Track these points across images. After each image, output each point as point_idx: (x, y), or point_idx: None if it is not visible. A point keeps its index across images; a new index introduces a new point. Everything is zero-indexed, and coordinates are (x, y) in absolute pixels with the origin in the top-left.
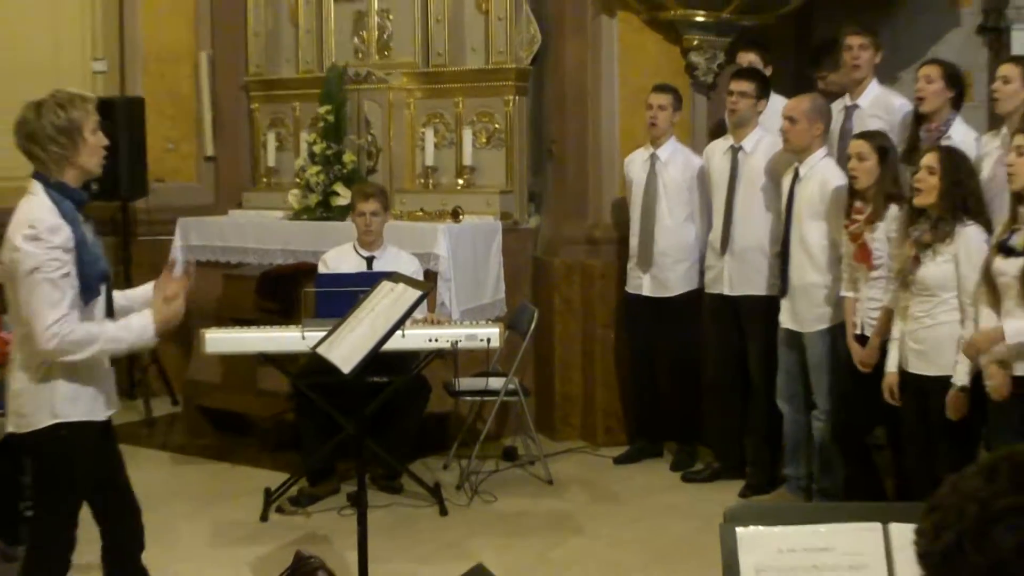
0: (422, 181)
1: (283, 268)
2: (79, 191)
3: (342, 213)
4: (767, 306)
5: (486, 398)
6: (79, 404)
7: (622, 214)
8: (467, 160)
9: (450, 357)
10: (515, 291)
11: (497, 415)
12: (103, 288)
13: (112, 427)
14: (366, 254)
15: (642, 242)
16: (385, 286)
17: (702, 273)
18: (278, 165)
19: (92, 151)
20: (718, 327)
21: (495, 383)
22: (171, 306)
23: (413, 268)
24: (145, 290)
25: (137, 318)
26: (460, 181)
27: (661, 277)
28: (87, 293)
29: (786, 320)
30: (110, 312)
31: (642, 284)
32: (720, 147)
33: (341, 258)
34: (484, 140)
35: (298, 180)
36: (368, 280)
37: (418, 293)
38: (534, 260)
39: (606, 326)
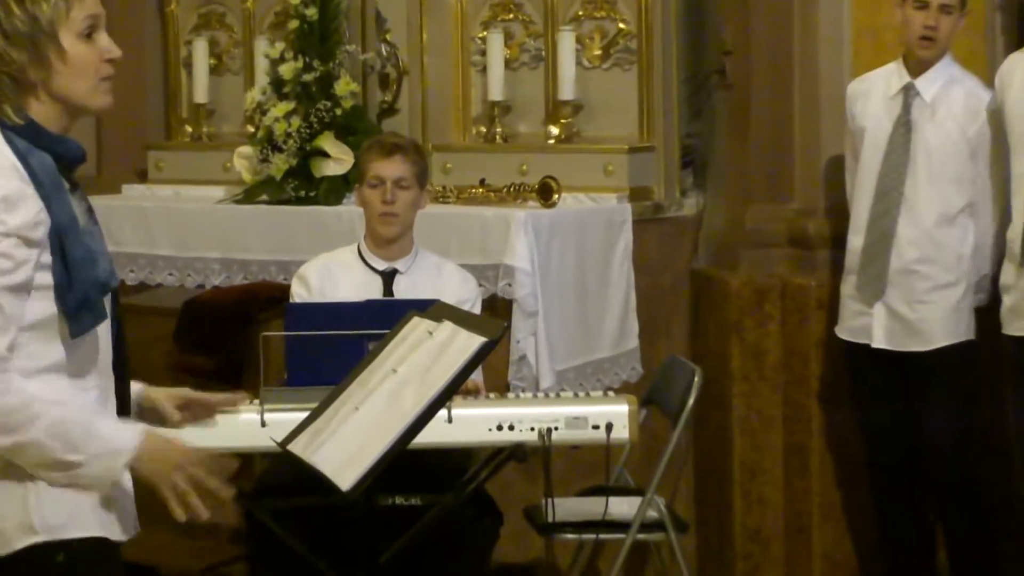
0: (482, 131)
1: (223, 294)
2: (65, 140)
3: (332, 191)
4: None
5: (605, 535)
6: (83, 510)
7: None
8: (566, 91)
9: (537, 460)
10: (658, 335)
11: (627, 566)
12: (108, 308)
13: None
14: (382, 265)
15: (873, 247)
16: (417, 326)
17: (989, 309)
18: (214, 102)
19: (80, 69)
20: None
21: (621, 507)
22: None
23: (466, 293)
24: (169, 393)
25: (119, 428)
26: (553, 130)
27: (908, 315)
28: (77, 318)
29: None
30: (121, 366)
31: (871, 326)
32: None
33: (334, 274)
34: (597, 53)
35: (251, 129)
36: (384, 314)
37: (479, 341)
38: (694, 276)
39: (829, 401)
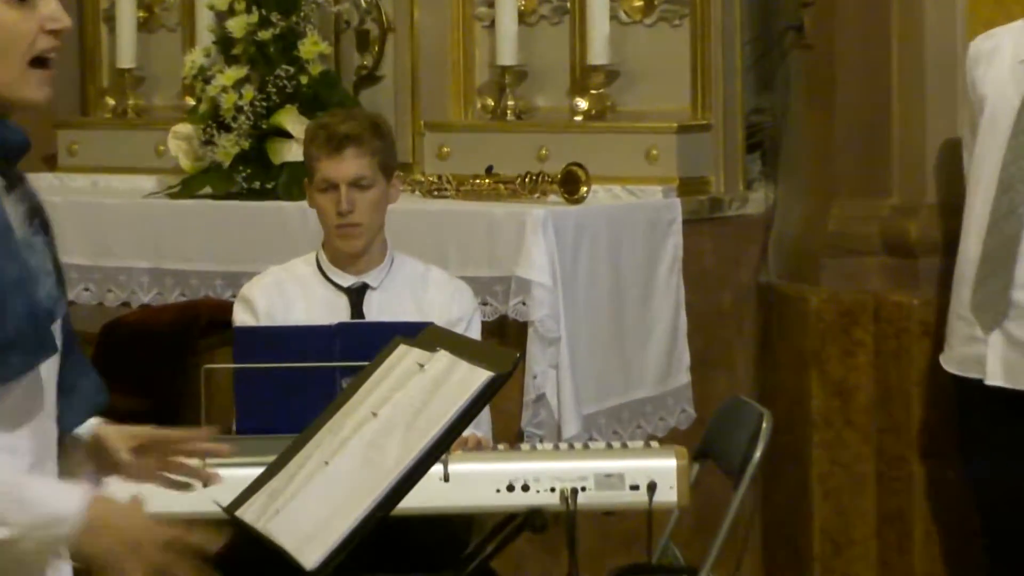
0: (489, 104)
1: (154, 315)
2: None
3: (295, 182)
4: None
5: None
6: None
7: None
8: (597, 54)
9: (560, 529)
10: (716, 368)
11: None
12: (56, 339)
13: None
14: (348, 280)
15: (994, 254)
16: (404, 357)
17: None
18: (143, 67)
19: (3, 44)
20: None
21: None
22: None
23: (458, 309)
24: (122, 433)
25: (59, 490)
26: (581, 103)
27: None
28: (2, 359)
29: None
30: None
31: (984, 357)
32: None
33: (288, 294)
34: (638, 4)
35: (190, 102)
36: (360, 341)
37: (484, 376)
38: (762, 292)
39: (936, 455)
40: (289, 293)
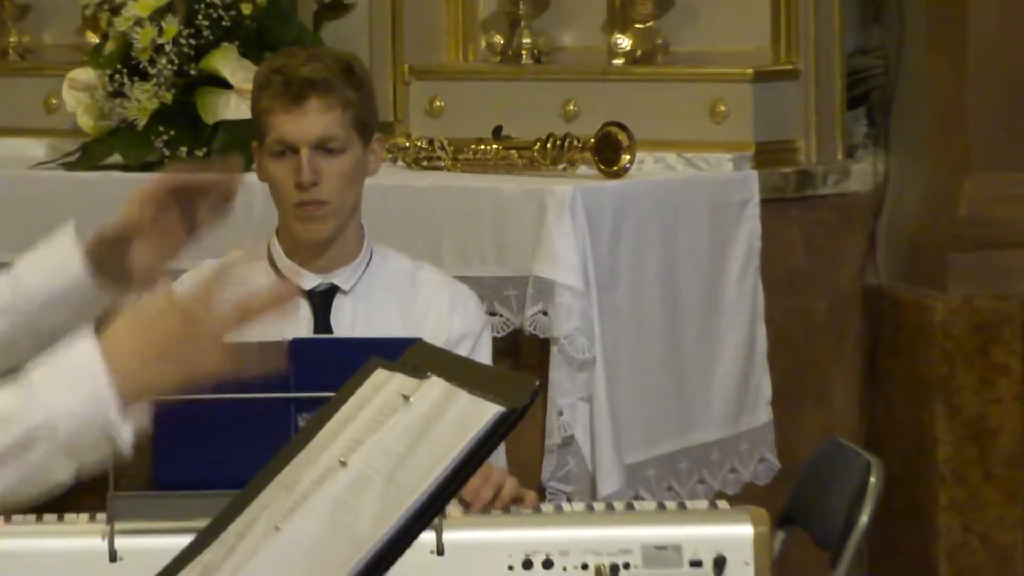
0: (497, 43)
1: None
2: None
3: (234, 145)
4: None
5: None
6: None
7: None
8: None
9: None
10: (806, 400)
11: None
12: None
13: None
14: (311, 280)
15: None
16: (382, 386)
17: None
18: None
19: None
20: None
21: None
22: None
23: (462, 323)
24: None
25: (60, 362)
26: (622, 42)
27: None
28: None
29: None
30: None
31: None
32: None
33: (228, 296)
34: None
35: (93, 40)
36: (322, 364)
37: (492, 412)
38: (869, 297)
39: None
40: (229, 296)
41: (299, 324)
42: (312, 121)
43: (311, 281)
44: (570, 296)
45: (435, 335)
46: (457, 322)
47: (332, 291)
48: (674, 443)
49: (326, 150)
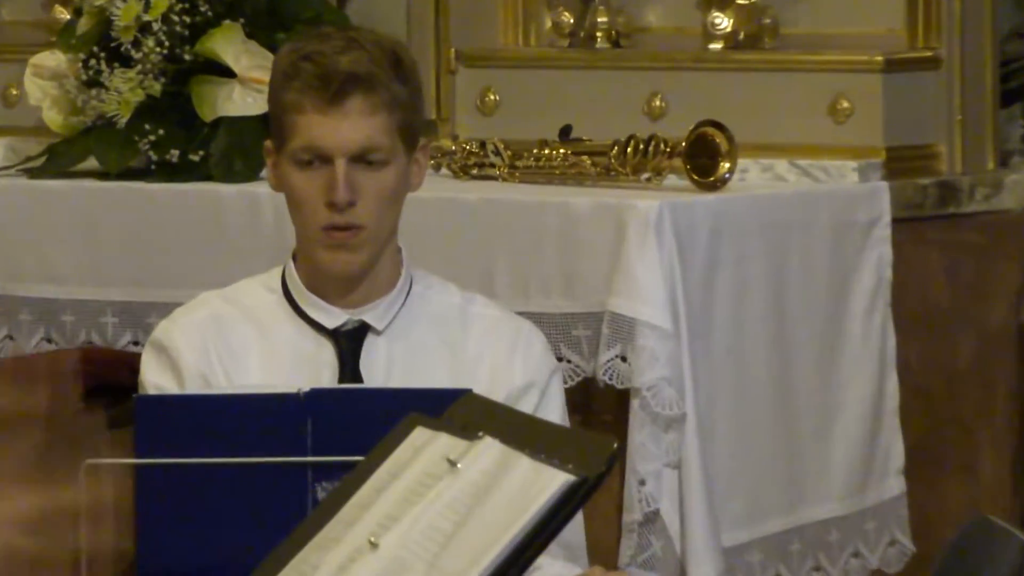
0: (565, 20)
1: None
2: None
3: (238, 150)
4: None
5: None
6: None
7: None
8: None
9: None
10: (949, 465)
11: None
12: None
13: None
14: (337, 318)
15: None
16: (423, 448)
17: None
18: None
19: None
20: None
21: None
22: None
23: (526, 371)
24: None
25: None
26: (720, 22)
27: None
28: None
29: None
30: None
31: None
32: None
33: (235, 335)
34: None
35: (63, 15)
36: (338, 421)
37: (560, 481)
38: (1023, 335)
39: None
40: (236, 337)
41: (320, 371)
42: (353, 126)
43: (336, 318)
44: (655, 337)
45: (491, 385)
46: (519, 368)
47: (362, 330)
48: (783, 521)
49: (366, 162)
